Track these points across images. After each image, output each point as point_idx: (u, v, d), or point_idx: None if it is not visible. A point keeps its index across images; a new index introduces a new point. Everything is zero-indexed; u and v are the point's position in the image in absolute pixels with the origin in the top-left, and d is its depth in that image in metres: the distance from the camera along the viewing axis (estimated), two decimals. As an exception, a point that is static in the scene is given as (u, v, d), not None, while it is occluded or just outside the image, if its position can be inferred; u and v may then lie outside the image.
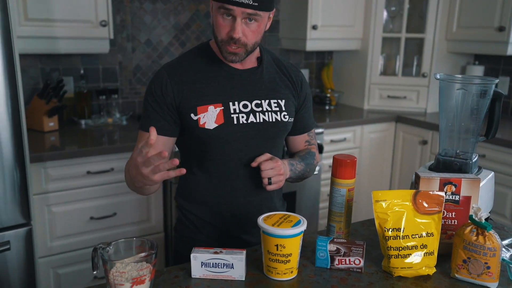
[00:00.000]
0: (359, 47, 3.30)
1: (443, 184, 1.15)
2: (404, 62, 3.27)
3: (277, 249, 1.05)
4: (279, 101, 1.31)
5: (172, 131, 1.26)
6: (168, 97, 1.23)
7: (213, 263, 1.04)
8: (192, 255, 1.04)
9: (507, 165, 2.53)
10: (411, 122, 3.06)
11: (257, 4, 1.12)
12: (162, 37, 2.88)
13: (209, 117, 1.23)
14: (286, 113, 1.31)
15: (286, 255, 1.05)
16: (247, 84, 1.28)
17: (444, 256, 1.15)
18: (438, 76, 1.28)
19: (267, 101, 1.29)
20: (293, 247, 1.05)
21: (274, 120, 1.29)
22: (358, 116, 3.14)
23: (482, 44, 2.93)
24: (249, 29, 1.17)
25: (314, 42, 3.08)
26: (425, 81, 3.18)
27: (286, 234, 1.04)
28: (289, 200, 2.77)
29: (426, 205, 1.09)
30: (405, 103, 3.25)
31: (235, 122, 1.25)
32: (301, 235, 1.07)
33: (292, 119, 1.34)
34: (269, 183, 1.22)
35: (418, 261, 1.08)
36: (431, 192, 1.09)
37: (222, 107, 1.24)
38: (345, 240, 1.12)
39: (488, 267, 1.02)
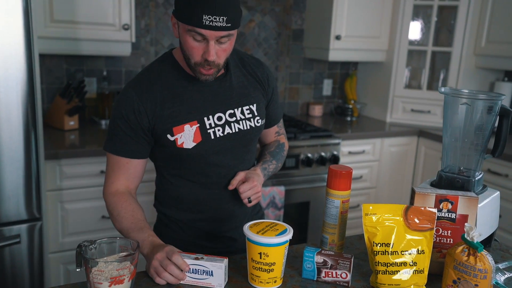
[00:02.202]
0: (384, 59, 3.25)
1: (439, 201, 1.11)
2: (429, 76, 3.20)
3: (261, 257, 1.03)
4: (251, 106, 1.30)
5: (146, 153, 1.26)
6: (143, 122, 1.20)
7: (193, 269, 1.04)
8: (173, 259, 1.04)
9: (531, 187, 2.42)
10: (434, 137, 2.98)
11: (230, 25, 1.09)
12: (185, 42, 2.92)
13: (187, 137, 1.21)
14: (259, 118, 1.32)
15: (270, 264, 1.04)
16: (218, 94, 1.26)
17: (438, 275, 1.11)
18: (442, 90, 1.25)
19: (239, 108, 1.28)
20: (277, 256, 1.04)
21: (248, 127, 1.29)
22: (379, 128, 3.08)
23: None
24: (221, 49, 1.14)
25: (337, 52, 3.06)
26: (451, 96, 3.09)
27: (269, 242, 1.02)
28: (302, 210, 2.75)
29: (417, 221, 1.05)
30: (429, 117, 3.16)
31: (212, 137, 1.24)
32: (286, 245, 1.05)
33: (264, 121, 1.35)
34: (249, 201, 1.26)
35: (407, 278, 1.05)
36: (423, 208, 1.05)
37: (198, 124, 1.22)
38: (332, 253, 1.10)
39: (479, 290, 0.98)
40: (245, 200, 1.26)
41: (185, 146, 1.21)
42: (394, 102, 3.23)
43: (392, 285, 1.05)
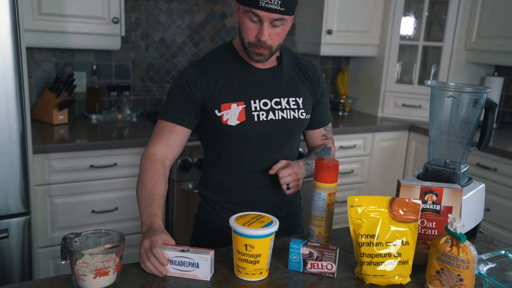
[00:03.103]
0: (376, 54, 3.25)
1: (424, 193, 1.12)
2: (421, 70, 3.21)
3: (246, 249, 1.04)
4: (297, 99, 1.37)
5: (191, 124, 1.33)
6: (197, 94, 1.30)
7: (179, 261, 1.04)
8: (159, 251, 1.04)
9: (509, 177, 2.44)
10: (424, 132, 2.99)
11: (283, 9, 1.19)
12: (176, 36, 2.91)
13: (232, 114, 1.30)
14: (303, 111, 1.38)
15: (255, 256, 1.04)
16: (268, 82, 1.35)
17: (423, 266, 1.11)
18: (429, 83, 1.25)
19: (286, 99, 1.36)
20: (263, 248, 1.04)
21: (292, 117, 1.36)
22: (371, 123, 3.09)
23: (502, 55, 2.84)
24: (274, 32, 1.24)
25: (329, 47, 3.06)
26: (441, 91, 3.10)
27: (255, 234, 1.03)
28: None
29: (402, 212, 1.06)
30: (420, 112, 3.18)
31: (256, 120, 1.31)
32: (272, 236, 1.06)
33: (309, 116, 1.41)
34: (288, 188, 1.31)
35: (391, 269, 1.05)
36: (407, 200, 1.06)
37: (244, 105, 1.31)
38: (318, 244, 1.10)
39: (461, 280, 0.98)
40: (284, 186, 1.30)
41: (229, 122, 1.30)
42: (385, 97, 3.24)
43: (377, 276, 1.05)
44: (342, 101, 3.36)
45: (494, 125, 2.72)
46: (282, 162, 1.33)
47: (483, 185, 1.29)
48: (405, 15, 3.15)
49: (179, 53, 2.94)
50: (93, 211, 2.26)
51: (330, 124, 1.53)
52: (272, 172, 1.31)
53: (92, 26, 2.36)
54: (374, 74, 3.30)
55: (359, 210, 1.07)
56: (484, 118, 1.27)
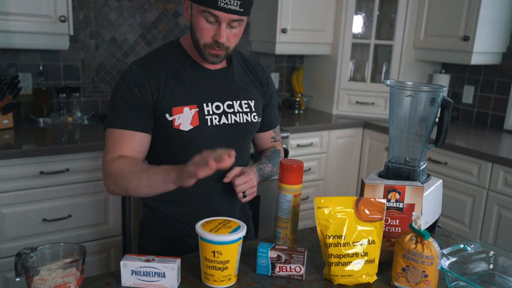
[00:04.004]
0: (329, 52, 3.30)
1: (387, 191, 1.13)
2: (373, 68, 3.29)
3: (214, 256, 1.01)
4: (249, 101, 1.34)
5: (150, 128, 1.25)
6: (147, 95, 1.21)
7: (144, 272, 1.00)
8: (122, 263, 0.99)
9: (467, 173, 2.55)
10: (378, 128, 3.08)
11: (242, 10, 1.16)
12: (128, 35, 2.82)
13: (185, 119, 1.23)
14: (255, 114, 1.34)
15: (224, 262, 1.02)
16: (219, 84, 1.30)
17: (388, 264, 1.13)
18: (388, 83, 1.27)
19: (238, 102, 1.31)
20: (231, 254, 1.02)
21: (244, 121, 1.32)
22: (326, 121, 3.14)
23: (447, 53, 2.97)
24: (231, 33, 1.19)
25: (284, 46, 3.07)
26: (393, 88, 3.19)
27: (223, 240, 1.00)
28: (253, 205, 2.74)
29: (368, 212, 1.07)
30: (373, 109, 3.26)
31: (209, 124, 1.26)
32: (240, 242, 1.04)
33: (260, 119, 1.37)
34: (244, 196, 1.26)
35: (358, 269, 1.06)
36: (372, 199, 1.07)
37: (197, 109, 1.25)
38: (286, 247, 1.09)
39: (426, 276, 1.01)
40: (240, 194, 1.25)
41: (181, 127, 1.23)
42: (339, 95, 3.30)
43: (345, 276, 1.06)
44: (297, 99, 3.39)
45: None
46: (236, 169, 1.27)
47: (441, 181, 1.33)
48: (356, 14, 3.21)
49: (131, 53, 2.85)
50: (44, 220, 2.15)
51: (278, 126, 1.51)
52: (226, 180, 1.25)
53: (38, 25, 2.23)
54: (328, 72, 3.35)
55: (326, 211, 1.07)
56: (440, 116, 1.31)
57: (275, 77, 3.49)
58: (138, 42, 2.86)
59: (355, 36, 3.24)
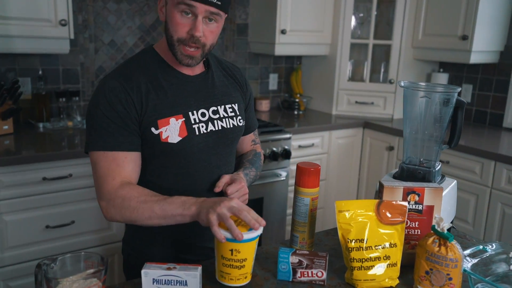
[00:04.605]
0: (328, 53, 3.30)
1: (406, 193, 1.13)
2: (371, 68, 3.29)
3: (232, 254, 0.99)
4: (233, 105, 1.29)
5: (140, 145, 1.17)
6: (131, 111, 1.12)
7: (165, 280, 0.98)
8: (142, 271, 0.97)
9: (469, 172, 2.56)
10: (378, 128, 3.08)
11: (220, 3, 1.09)
12: (127, 38, 2.79)
13: (172, 131, 1.16)
14: (240, 117, 1.30)
15: (241, 260, 1.00)
16: (201, 90, 1.23)
17: (408, 266, 1.13)
18: (402, 84, 1.27)
19: (222, 106, 1.26)
20: (249, 252, 1.01)
21: (231, 125, 1.27)
22: (326, 121, 3.14)
23: (446, 52, 2.98)
24: (208, 29, 1.12)
25: (283, 47, 3.06)
26: (392, 88, 3.21)
27: (241, 239, 0.99)
28: (256, 206, 2.73)
29: (389, 215, 1.06)
30: (372, 109, 3.26)
31: (197, 133, 1.20)
32: (257, 239, 1.02)
33: (244, 122, 1.33)
34: None
35: (381, 272, 1.06)
36: (394, 202, 1.07)
37: (184, 118, 1.18)
38: (307, 252, 1.08)
39: (450, 279, 1.00)
40: None
41: (170, 140, 1.15)
42: (339, 95, 3.30)
43: (368, 280, 1.05)
44: (297, 100, 3.38)
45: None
46: (226, 178, 1.22)
47: (455, 182, 1.33)
48: (355, 14, 3.21)
49: (131, 55, 2.82)
50: (47, 226, 2.12)
51: (256, 129, 1.47)
52: (218, 189, 1.20)
53: (38, 29, 2.20)
54: (327, 72, 3.34)
55: (347, 214, 1.06)
56: (453, 116, 1.31)
57: (273, 78, 3.48)
58: (138, 45, 2.83)
59: (353, 36, 3.24)
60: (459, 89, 1.24)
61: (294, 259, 1.07)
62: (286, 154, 2.72)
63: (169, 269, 0.99)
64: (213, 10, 1.09)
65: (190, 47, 1.12)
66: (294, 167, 2.87)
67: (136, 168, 1.17)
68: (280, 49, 3.05)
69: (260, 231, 1.01)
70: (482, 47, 2.85)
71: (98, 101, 1.13)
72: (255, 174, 1.36)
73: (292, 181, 2.87)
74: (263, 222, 0.99)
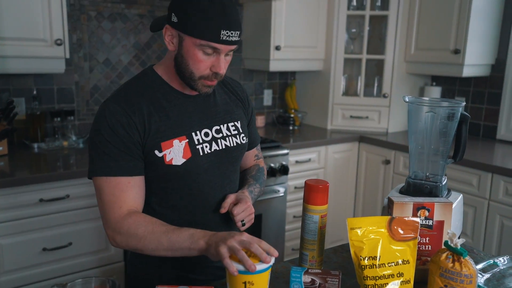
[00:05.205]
0: (322, 68, 3.32)
1: (416, 209, 1.12)
2: (365, 82, 3.32)
3: (245, 287, 0.97)
4: (236, 123, 1.28)
5: (143, 169, 1.16)
6: (134, 136, 1.11)
7: (178, 303, 0.96)
8: (155, 295, 0.95)
9: (467, 184, 2.57)
10: (373, 141, 3.09)
11: (238, 39, 1.12)
12: (122, 56, 2.78)
13: (176, 152, 1.15)
14: (244, 135, 1.30)
15: (255, 293, 0.98)
16: (204, 110, 1.23)
17: (420, 283, 1.12)
18: (407, 99, 1.27)
19: (225, 125, 1.26)
20: (262, 283, 0.98)
21: (235, 144, 1.26)
22: (322, 136, 3.14)
23: (438, 66, 3.02)
24: (226, 61, 1.15)
25: (278, 63, 3.08)
26: (386, 102, 3.23)
27: (254, 270, 0.97)
28: (255, 223, 2.70)
29: (401, 231, 1.06)
30: (367, 123, 3.28)
31: (201, 154, 1.19)
32: (270, 270, 1.00)
33: (247, 139, 1.33)
34: (243, 224, 1.20)
35: (395, 290, 1.04)
36: (406, 218, 1.06)
37: (187, 140, 1.17)
38: (320, 271, 1.07)
39: (466, 295, 0.99)
40: (239, 224, 1.19)
41: (174, 162, 1.14)
42: (333, 110, 3.32)
43: (382, 298, 1.04)
44: (292, 115, 3.39)
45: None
46: (231, 198, 1.21)
47: (461, 195, 1.33)
48: (347, 30, 3.25)
49: (126, 74, 2.81)
50: (44, 249, 2.07)
51: (259, 143, 1.48)
52: (223, 210, 1.19)
53: (33, 49, 2.18)
54: (321, 87, 3.36)
55: (359, 232, 1.05)
56: (457, 130, 1.31)
57: (268, 93, 3.49)
58: (132, 63, 2.82)
59: (346, 51, 3.27)
60: (463, 104, 1.25)
61: (306, 278, 1.05)
62: (284, 170, 2.71)
63: (181, 292, 0.97)
64: (234, 48, 1.13)
65: (211, 81, 1.15)
66: (292, 183, 2.86)
67: (141, 192, 1.16)
68: (275, 65, 3.07)
69: (272, 260, 0.99)
70: (474, 61, 2.90)
71: (99, 126, 1.12)
72: (260, 190, 1.36)
73: (290, 197, 2.86)
74: (276, 253, 0.97)
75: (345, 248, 1.36)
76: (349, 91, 3.39)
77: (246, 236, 0.99)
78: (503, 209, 2.42)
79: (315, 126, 3.42)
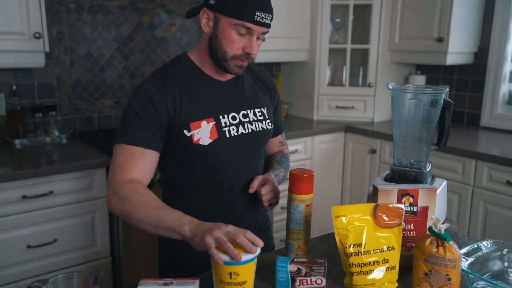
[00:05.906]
0: (307, 58, 3.31)
1: (401, 196, 1.13)
2: (350, 72, 3.32)
3: (231, 278, 0.96)
4: (262, 109, 1.35)
5: (160, 147, 1.23)
6: (163, 114, 1.20)
7: (163, 295, 0.95)
8: (139, 288, 0.94)
9: (451, 171, 2.60)
10: (359, 131, 3.10)
11: (270, 23, 1.19)
12: (104, 49, 2.74)
13: (203, 133, 1.23)
14: (269, 121, 1.36)
15: (241, 283, 0.97)
16: (232, 95, 1.30)
17: (405, 269, 1.13)
18: (390, 86, 1.27)
19: (252, 110, 1.32)
20: (248, 274, 0.98)
21: (260, 129, 1.33)
22: (308, 127, 3.14)
23: (422, 54, 3.03)
24: (257, 44, 1.21)
25: (263, 54, 3.05)
26: (371, 91, 3.24)
27: (240, 260, 0.96)
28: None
29: (386, 218, 1.06)
30: (353, 113, 3.29)
31: (228, 136, 1.26)
32: (256, 260, 1.00)
33: (273, 125, 1.39)
34: (270, 205, 1.27)
35: (381, 276, 1.05)
36: (390, 205, 1.06)
37: (214, 122, 1.24)
38: (305, 260, 1.07)
39: (449, 279, 1.00)
40: (266, 204, 1.26)
41: (201, 142, 1.22)
42: (319, 100, 3.32)
43: (368, 285, 1.04)
44: (277, 106, 3.38)
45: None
46: (259, 179, 1.28)
47: (445, 182, 1.34)
48: (332, 19, 3.24)
49: (108, 67, 2.77)
50: (29, 246, 2.04)
51: (284, 131, 1.54)
52: (252, 190, 1.26)
53: (11, 43, 2.13)
54: (306, 78, 3.36)
55: (344, 220, 1.05)
56: (441, 117, 1.32)
57: (253, 85, 3.47)
58: (115, 56, 2.78)
59: (331, 41, 3.27)
60: (446, 90, 1.25)
61: (292, 267, 1.05)
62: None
63: (165, 284, 0.96)
64: (266, 31, 1.19)
65: (243, 61, 1.21)
66: (278, 174, 2.85)
67: (151, 167, 1.20)
68: (260, 57, 3.04)
69: (258, 251, 0.98)
70: (458, 49, 2.91)
71: (131, 101, 1.21)
72: (284, 174, 1.42)
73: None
74: (261, 243, 0.97)
75: (331, 236, 1.36)
76: (335, 81, 3.39)
77: (231, 228, 0.99)
78: (487, 195, 2.45)
79: (301, 117, 3.42)
